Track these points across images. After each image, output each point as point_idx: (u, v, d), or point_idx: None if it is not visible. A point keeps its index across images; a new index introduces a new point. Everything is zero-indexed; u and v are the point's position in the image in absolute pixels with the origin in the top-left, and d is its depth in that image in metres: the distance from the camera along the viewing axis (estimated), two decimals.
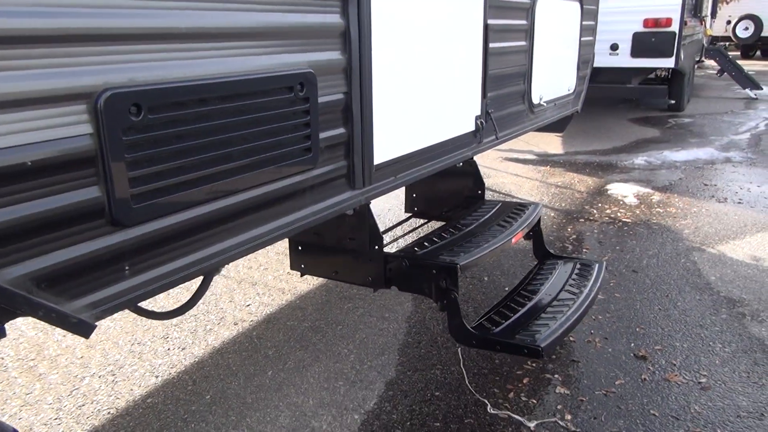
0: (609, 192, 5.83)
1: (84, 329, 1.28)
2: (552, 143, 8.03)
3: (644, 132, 8.62)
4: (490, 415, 2.58)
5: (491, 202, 3.08)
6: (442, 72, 2.55)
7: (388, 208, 5.27)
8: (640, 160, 7.07)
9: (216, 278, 4.03)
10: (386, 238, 2.97)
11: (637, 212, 5.18)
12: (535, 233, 3.09)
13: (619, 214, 5.14)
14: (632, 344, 3.09)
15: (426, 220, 3.32)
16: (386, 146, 2.23)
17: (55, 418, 2.65)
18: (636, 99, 10.85)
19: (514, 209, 2.93)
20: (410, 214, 3.35)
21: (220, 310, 3.62)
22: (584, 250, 4.37)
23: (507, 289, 3.59)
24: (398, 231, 3.98)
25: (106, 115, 1.25)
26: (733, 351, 3.01)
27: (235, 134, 1.58)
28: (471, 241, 2.52)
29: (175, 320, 3.49)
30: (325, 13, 1.87)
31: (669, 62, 7.59)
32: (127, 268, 1.38)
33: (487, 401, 2.67)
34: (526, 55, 3.43)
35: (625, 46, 7.62)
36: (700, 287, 3.72)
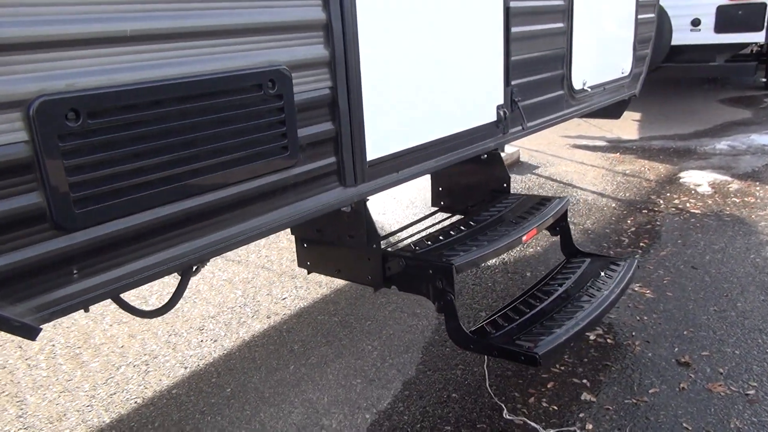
0: (681, 180, 5.40)
1: (27, 332, 1.31)
2: (627, 128, 7.56)
3: (733, 114, 7.93)
4: (504, 421, 2.46)
5: (515, 195, 2.91)
6: (450, 61, 2.43)
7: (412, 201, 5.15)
8: (722, 144, 6.50)
9: (257, 271, 4.11)
10: (404, 234, 2.89)
11: (710, 202, 4.77)
12: (561, 228, 2.89)
13: (688, 205, 4.75)
14: (676, 349, 2.84)
15: (450, 215, 3.20)
16: (382, 141, 2.15)
17: (88, 405, 2.80)
18: (722, 78, 10.00)
19: (536, 204, 2.75)
20: (436, 209, 3.24)
21: (257, 303, 3.68)
22: (641, 244, 4.07)
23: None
24: (422, 226, 3.89)
25: (38, 122, 1.27)
26: None
27: (195, 136, 1.56)
28: (477, 238, 2.39)
29: (212, 312, 3.59)
30: (302, 7, 1.82)
31: (759, 36, 6.90)
32: (75, 271, 1.40)
33: (504, 406, 2.54)
34: (564, 38, 3.21)
35: (708, 21, 7.01)
36: (767, 287, 3.36)
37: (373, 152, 2.11)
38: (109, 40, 1.39)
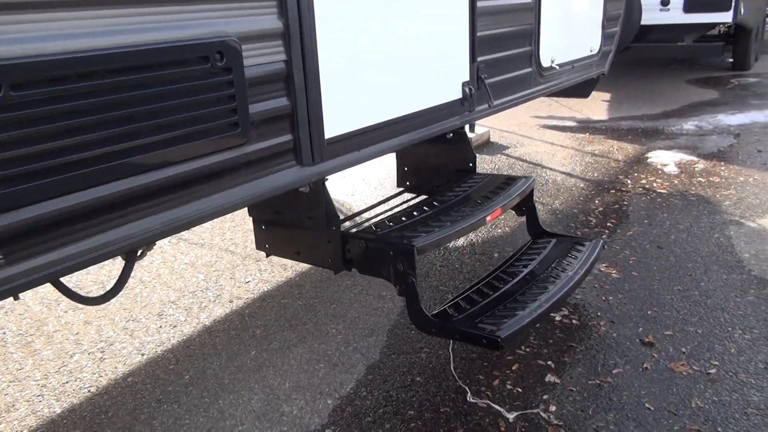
0: (649, 160, 5.42)
1: None
2: (597, 108, 7.57)
3: (701, 94, 8.00)
4: (468, 404, 2.42)
5: (481, 175, 2.85)
6: (414, 35, 2.34)
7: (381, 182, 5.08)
8: (689, 125, 6.55)
9: (221, 254, 4.00)
10: (368, 216, 2.81)
11: (676, 182, 4.79)
12: (528, 209, 2.85)
13: (655, 185, 4.77)
14: (640, 329, 2.84)
15: (416, 195, 3.14)
16: (341, 118, 2.06)
17: (38, 395, 2.69)
18: (689, 59, 10.07)
19: (501, 184, 2.70)
20: (402, 189, 3.17)
21: (219, 287, 3.58)
22: (608, 224, 4.07)
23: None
24: (386, 207, 3.82)
25: None
26: (753, 338, 2.71)
27: (133, 111, 1.46)
28: (440, 219, 2.33)
29: (173, 297, 3.48)
30: None
31: (727, 16, 6.93)
32: (0, 257, 1.29)
33: (468, 389, 2.51)
34: (532, 13, 3.14)
35: (678, 0, 7.01)
36: (730, 265, 3.38)
37: (331, 130, 2.03)
38: (34, 5, 1.28)
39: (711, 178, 4.81)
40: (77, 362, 2.91)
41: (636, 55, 8.16)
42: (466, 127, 6.03)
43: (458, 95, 2.65)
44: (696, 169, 5.08)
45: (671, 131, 6.36)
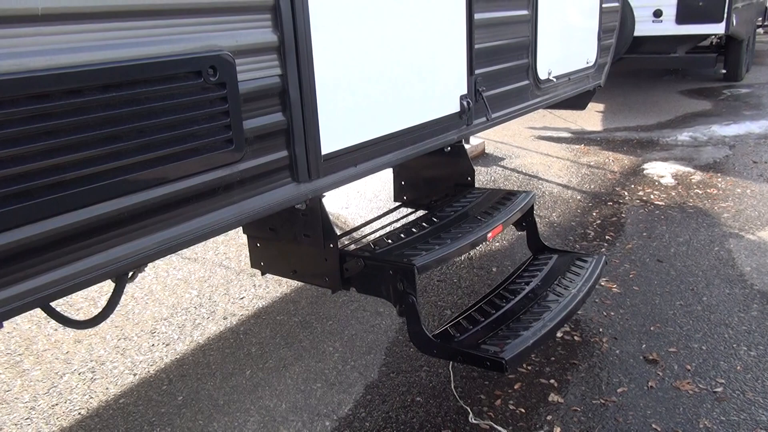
0: (645, 172, 5.40)
1: None
2: (591, 120, 7.56)
3: (694, 105, 8.01)
4: (470, 425, 2.36)
5: (480, 190, 2.80)
6: (411, 48, 2.29)
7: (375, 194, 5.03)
8: (684, 136, 6.54)
9: (215, 269, 3.93)
10: (365, 231, 2.76)
11: (673, 194, 4.76)
12: (528, 224, 2.80)
13: (652, 197, 4.74)
14: (643, 345, 2.78)
15: (414, 210, 3.08)
16: (338, 133, 2.01)
17: (27, 418, 2.60)
18: (682, 70, 10.11)
19: (501, 199, 2.65)
20: (399, 203, 3.12)
21: (213, 303, 3.51)
22: (607, 237, 4.03)
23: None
24: (383, 222, 3.77)
25: None
26: (759, 355, 2.66)
27: (124, 128, 1.40)
28: (440, 236, 2.28)
29: (165, 313, 3.41)
30: None
31: (719, 28, 6.96)
32: None
33: (469, 409, 2.44)
34: (529, 26, 3.11)
35: (670, 12, 7.03)
36: (732, 279, 3.34)
37: (328, 145, 1.97)
38: (16, 19, 1.22)
39: (708, 190, 4.79)
40: (67, 383, 2.82)
41: (629, 66, 8.17)
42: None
43: (456, 109, 2.60)
44: (693, 180, 5.06)
45: (666, 142, 6.35)
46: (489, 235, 2.29)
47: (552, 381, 2.58)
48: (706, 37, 7.92)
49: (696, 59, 7.82)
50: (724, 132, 6.58)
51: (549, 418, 2.36)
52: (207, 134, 1.59)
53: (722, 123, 6.96)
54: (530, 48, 3.16)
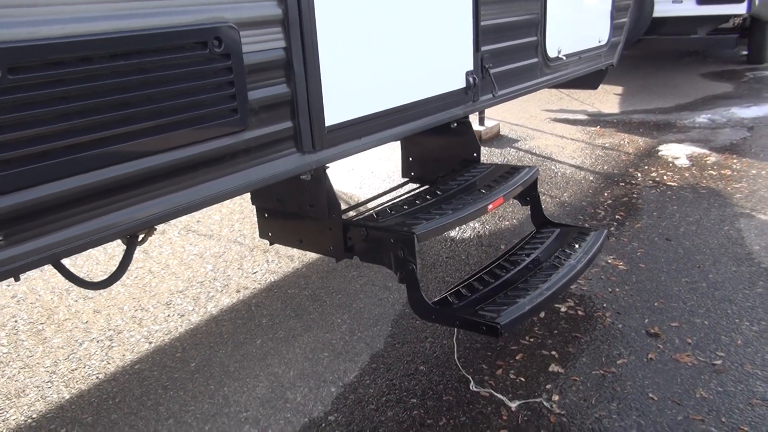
0: (660, 153, 5.37)
1: None
2: (608, 102, 7.50)
3: (714, 87, 7.89)
4: (471, 393, 2.42)
5: (484, 165, 2.84)
6: (416, 22, 2.34)
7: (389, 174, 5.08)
8: (702, 118, 6.47)
9: (229, 245, 4.03)
10: (372, 205, 2.82)
11: (686, 175, 4.74)
12: (532, 198, 2.84)
13: (665, 178, 4.72)
14: (646, 320, 2.82)
15: (420, 186, 3.13)
16: (342, 106, 2.07)
17: (48, 381, 2.73)
18: (703, 52, 9.94)
19: (504, 173, 2.69)
20: (407, 179, 3.17)
21: (227, 277, 3.61)
22: (617, 216, 4.04)
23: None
24: (389, 197, 3.83)
25: None
26: (760, 330, 2.68)
27: (131, 96, 1.48)
28: (442, 207, 2.33)
29: (181, 286, 3.52)
30: None
31: (741, 8, 6.83)
32: (1, 238, 1.32)
33: (471, 378, 2.51)
34: (539, 2, 3.12)
35: None
36: (740, 258, 3.34)
37: (332, 117, 2.03)
38: None
39: (722, 171, 4.76)
40: (86, 350, 2.95)
41: (648, 48, 8.08)
42: (475, 120, 6.01)
43: (462, 84, 2.64)
44: (707, 162, 5.03)
45: (683, 124, 6.29)
46: (490, 206, 2.34)
47: (553, 352, 2.63)
48: (728, 18, 7.76)
49: (716, 40, 7.69)
50: (744, 114, 6.49)
51: (548, 387, 2.42)
52: (212, 103, 1.66)
53: (742, 105, 6.86)
54: (539, 25, 3.17)
